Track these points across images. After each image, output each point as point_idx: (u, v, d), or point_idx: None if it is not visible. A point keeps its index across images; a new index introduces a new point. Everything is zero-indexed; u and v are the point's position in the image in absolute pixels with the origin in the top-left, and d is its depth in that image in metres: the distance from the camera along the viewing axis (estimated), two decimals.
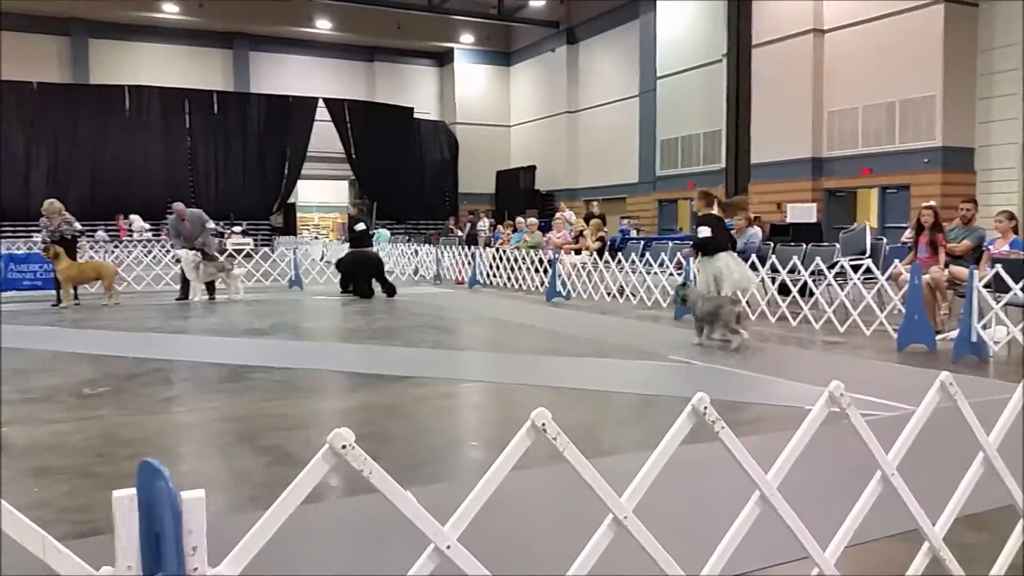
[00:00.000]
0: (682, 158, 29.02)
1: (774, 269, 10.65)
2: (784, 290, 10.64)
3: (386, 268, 20.07)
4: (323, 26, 35.64)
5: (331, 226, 42.10)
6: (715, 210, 8.94)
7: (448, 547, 1.38)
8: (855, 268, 9.93)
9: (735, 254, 9.00)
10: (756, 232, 11.81)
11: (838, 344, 8.65)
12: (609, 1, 32.29)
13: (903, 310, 8.31)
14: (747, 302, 10.19)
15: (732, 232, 12.23)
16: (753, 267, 10.41)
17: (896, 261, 10.23)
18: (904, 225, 17.60)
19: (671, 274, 12.46)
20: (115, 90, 32.49)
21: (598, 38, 34.18)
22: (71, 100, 31.68)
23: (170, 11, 32.99)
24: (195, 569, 1.17)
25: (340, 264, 15.51)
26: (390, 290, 14.72)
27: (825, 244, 12.80)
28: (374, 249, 16.67)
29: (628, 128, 31.91)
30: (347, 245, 24.25)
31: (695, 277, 9.47)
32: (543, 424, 1.45)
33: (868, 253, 11.49)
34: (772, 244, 12.46)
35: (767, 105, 24.75)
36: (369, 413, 5.60)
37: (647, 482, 1.55)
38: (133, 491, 1.17)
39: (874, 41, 22.07)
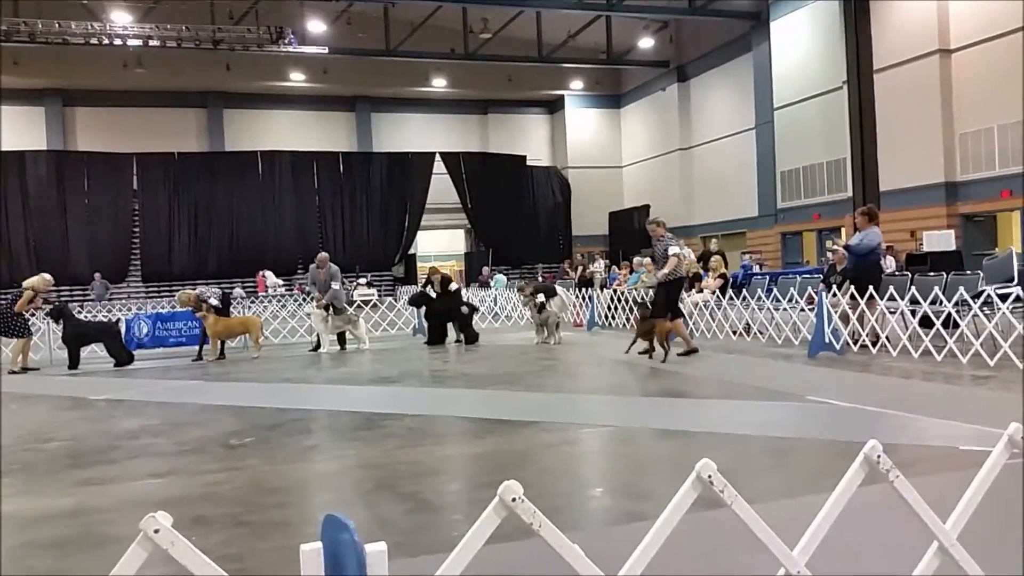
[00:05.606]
0: (805, 189, 28.10)
1: (914, 300, 10.10)
2: (925, 322, 10.07)
3: (503, 313, 20.34)
4: (439, 84, 36.98)
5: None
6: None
7: None
8: (1002, 297, 9.30)
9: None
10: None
11: (989, 378, 8.08)
12: (721, 36, 31.97)
13: None
14: (887, 337, 10.46)
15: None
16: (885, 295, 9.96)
17: None
18: None
19: (802, 309, 11.99)
20: (248, 156, 34.72)
21: (710, 73, 33.82)
22: (209, 167, 34.04)
23: (297, 79, 35.07)
24: None
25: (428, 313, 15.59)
26: (470, 338, 14.87)
27: (967, 272, 12.03)
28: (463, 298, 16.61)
29: (745, 161, 31.23)
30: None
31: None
32: (709, 476, 1.42)
33: (1016, 280, 10.70)
34: (910, 274, 11.81)
35: (893, 130, 23.72)
36: (498, 459, 5.63)
37: (820, 535, 1.49)
38: (319, 544, 1.21)
39: (1007, 56, 20.85)
